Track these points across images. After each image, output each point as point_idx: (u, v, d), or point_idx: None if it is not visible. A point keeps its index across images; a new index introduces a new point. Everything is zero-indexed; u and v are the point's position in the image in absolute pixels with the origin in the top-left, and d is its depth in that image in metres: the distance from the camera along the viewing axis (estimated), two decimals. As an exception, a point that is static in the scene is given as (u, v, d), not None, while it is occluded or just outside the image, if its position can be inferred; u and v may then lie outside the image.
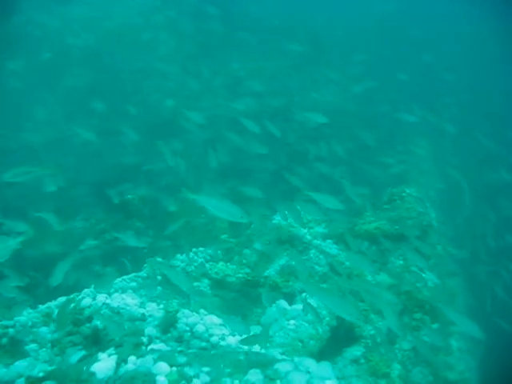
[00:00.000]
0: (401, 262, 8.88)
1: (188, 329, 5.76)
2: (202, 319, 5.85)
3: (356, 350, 7.61)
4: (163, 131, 13.39)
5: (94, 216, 11.17)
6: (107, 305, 6.01)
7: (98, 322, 5.74)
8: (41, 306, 6.33)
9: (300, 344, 6.81)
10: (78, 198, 12.83)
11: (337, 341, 7.59)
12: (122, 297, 6.51)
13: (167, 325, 5.73)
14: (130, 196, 10.54)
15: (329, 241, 8.84)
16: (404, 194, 10.04)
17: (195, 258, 8.60)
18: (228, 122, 12.55)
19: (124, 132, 12.39)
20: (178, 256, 8.57)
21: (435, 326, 8.44)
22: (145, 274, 7.75)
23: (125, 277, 7.50)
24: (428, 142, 12.95)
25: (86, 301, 5.91)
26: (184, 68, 14.74)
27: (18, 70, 13.79)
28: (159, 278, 7.86)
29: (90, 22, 14.92)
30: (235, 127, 11.65)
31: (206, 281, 7.97)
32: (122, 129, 12.15)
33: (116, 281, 7.35)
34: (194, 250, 8.73)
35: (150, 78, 14.65)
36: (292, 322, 7.06)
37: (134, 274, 7.68)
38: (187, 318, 5.85)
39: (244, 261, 8.50)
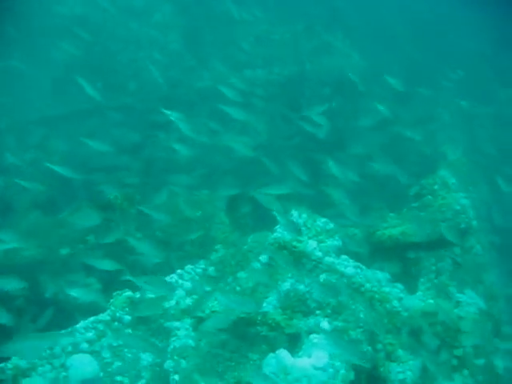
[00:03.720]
0: (435, 281, 6.59)
1: None
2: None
3: (381, 407, 5.48)
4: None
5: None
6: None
7: None
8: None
9: (306, 424, 4.68)
10: (67, 188, 10.71)
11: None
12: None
13: None
14: (111, 196, 8.35)
15: (344, 256, 6.58)
16: (436, 187, 7.66)
17: (180, 281, 6.47)
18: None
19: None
20: (158, 281, 6.41)
21: (481, 361, 6.24)
22: (108, 317, 5.63)
23: (79, 325, 5.39)
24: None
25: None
26: (182, 37, 12.28)
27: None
28: (128, 318, 5.74)
29: (77, -13, 12.42)
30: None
31: (187, 320, 5.83)
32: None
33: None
34: (178, 271, 6.58)
35: (145, 48, 12.23)
36: (295, 387, 4.92)
37: (93, 319, 5.57)
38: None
39: (238, 288, 6.32)
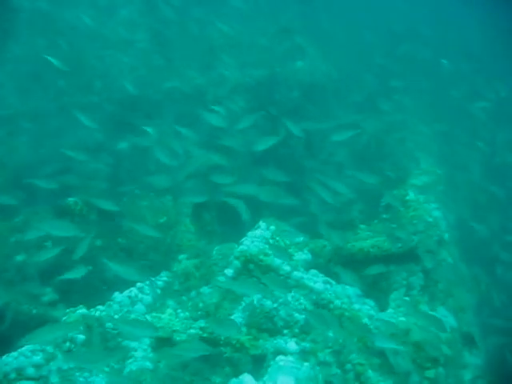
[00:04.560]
0: (406, 298, 6.24)
1: None
2: None
3: None
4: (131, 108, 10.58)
5: (35, 218, 8.42)
6: None
7: None
8: None
9: None
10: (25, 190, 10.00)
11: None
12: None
13: None
14: (71, 201, 7.76)
15: (313, 271, 6.18)
16: (407, 198, 7.33)
17: (139, 296, 5.96)
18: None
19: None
20: (116, 295, 5.92)
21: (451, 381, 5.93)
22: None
23: (25, 348, 4.83)
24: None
25: None
26: (150, 36, 11.70)
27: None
28: (81, 337, 5.21)
29: (40, -19, 11.69)
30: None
31: (145, 341, 5.33)
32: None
33: (10, 357, 4.68)
34: (138, 284, 6.07)
35: (112, 46, 11.59)
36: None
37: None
38: None
39: (201, 304, 5.84)
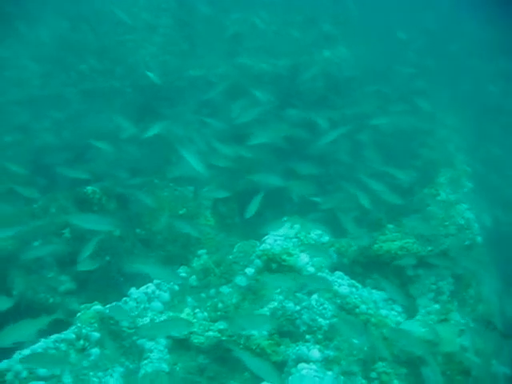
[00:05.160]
0: (436, 306, 5.86)
1: None
2: None
3: None
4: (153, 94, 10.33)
5: (53, 204, 8.19)
6: None
7: None
8: None
9: None
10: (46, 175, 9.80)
11: None
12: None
13: None
14: (89, 188, 7.50)
15: (338, 273, 5.83)
16: (439, 198, 6.92)
17: (157, 293, 5.68)
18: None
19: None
20: (133, 291, 5.65)
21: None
22: (73, 335, 4.83)
23: (38, 345, 4.58)
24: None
25: None
26: (174, 21, 11.35)
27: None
28: (96, 335, 4.95)
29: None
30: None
31: (162, 341, 5.05)
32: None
33: (19, 355, 4.43)
34: (156, 281, 5.78)
35: (135, 31, 11.28)
36: None
37: (55, 337, 4.76)
38: None
39: (220, 304, 5.54)
